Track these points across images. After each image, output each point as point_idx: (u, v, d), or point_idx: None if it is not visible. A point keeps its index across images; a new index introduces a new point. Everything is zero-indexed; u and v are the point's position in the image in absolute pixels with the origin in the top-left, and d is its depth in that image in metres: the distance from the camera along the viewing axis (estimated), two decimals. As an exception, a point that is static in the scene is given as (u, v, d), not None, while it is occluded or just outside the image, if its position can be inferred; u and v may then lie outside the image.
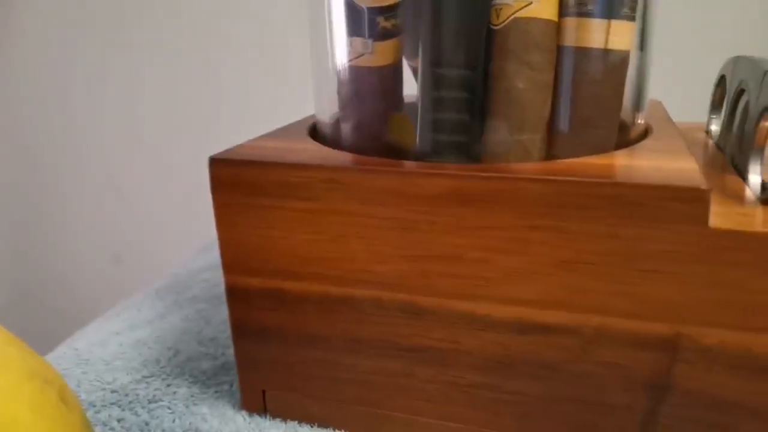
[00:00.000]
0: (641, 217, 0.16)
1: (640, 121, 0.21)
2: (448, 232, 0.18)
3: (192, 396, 0.23)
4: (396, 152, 0.20)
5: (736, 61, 0.22)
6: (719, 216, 0.16)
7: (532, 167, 0.17)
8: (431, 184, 0.17)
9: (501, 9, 0.19)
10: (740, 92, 0.21)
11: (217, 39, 0.53)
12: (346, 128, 0.21)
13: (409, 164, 0.18)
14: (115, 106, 0.58)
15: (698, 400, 0.17)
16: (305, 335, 0.20)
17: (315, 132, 0.23)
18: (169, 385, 0.24)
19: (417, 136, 0.20)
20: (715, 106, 0.25)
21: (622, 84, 0.20)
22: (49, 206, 0.63)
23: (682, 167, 0.17)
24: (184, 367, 0.25)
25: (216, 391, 0.23)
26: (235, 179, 0.19)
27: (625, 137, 0.21)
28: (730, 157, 0.22)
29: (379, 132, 0.21)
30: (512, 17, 0.19)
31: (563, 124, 0.20)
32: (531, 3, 0.18)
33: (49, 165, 0.62)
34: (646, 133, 0.21)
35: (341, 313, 0.20)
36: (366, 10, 0.19)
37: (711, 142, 0.25)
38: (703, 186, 0.15)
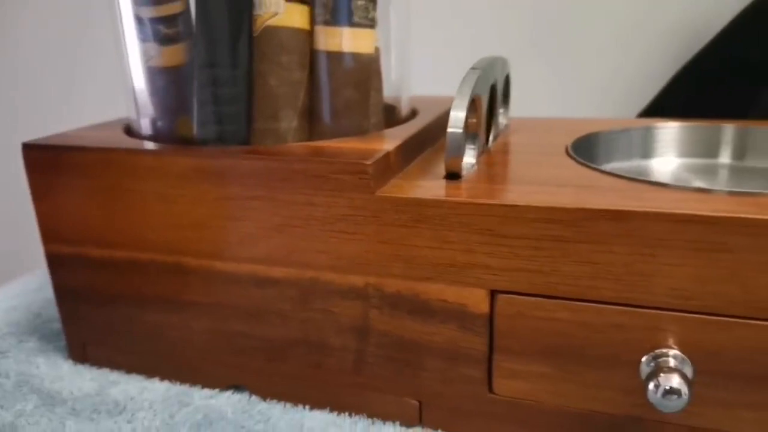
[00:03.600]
0: (327, 187, 0.19)
1: (399, 111, 0.25)
2: (196, 203, 0.21)
3: (35, 349, 0.27)
4: (186, 143, 0.23)
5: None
6: (404, 188, 0.19)
7: (255, 149, 0.21)
8: (178, 163, 0.21)
9: (257, 18, 0.22)
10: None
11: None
12: (146, 122, 0.25)
13: (164, 146, 0.22)
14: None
15: (391, 341, 0.21)
16: (107, 294, 0.24)
17: (130, 127, 0.27)
18: (21, 341, 0.28)
19: (194, 127, 0.23)
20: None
21: (366, 81, 0.23)
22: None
23: (373, 148, 0.20)
24: (39, 327, 0.29)
25: (56, 346, 0.27)
26: (40, 161, 0.23)
27: (389, 124, 0.24)
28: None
29: (171, 125, 0.25)
30: (264, 25, 0.22)
31: (323, 114, 0.24)
32: (278, 14, 0.22)
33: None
34: (405, 122, 0.25)
35: (130, 275, 0.23)
36: (148, 20, 0.23)
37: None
38: (367, 162, 0.19)
